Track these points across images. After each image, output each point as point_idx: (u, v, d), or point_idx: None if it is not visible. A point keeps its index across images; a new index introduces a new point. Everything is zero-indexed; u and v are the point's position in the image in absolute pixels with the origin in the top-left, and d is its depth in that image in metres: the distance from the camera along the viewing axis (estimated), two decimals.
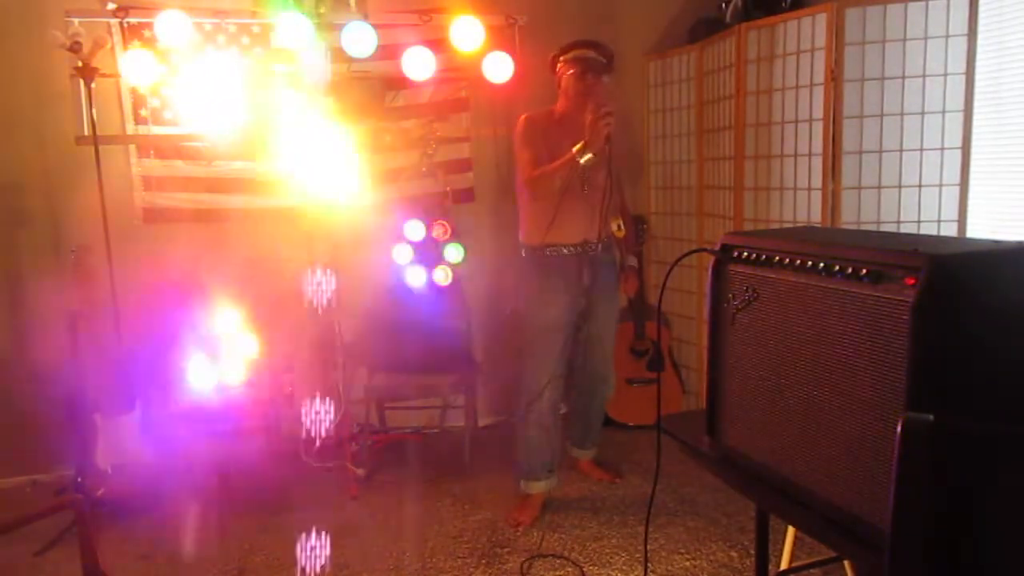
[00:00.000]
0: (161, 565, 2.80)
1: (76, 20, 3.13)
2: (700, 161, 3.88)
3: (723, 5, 3.69)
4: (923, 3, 2.92)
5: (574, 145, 2.74)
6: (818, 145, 3.17)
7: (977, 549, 1.08)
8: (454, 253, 3.73)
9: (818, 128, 3.16)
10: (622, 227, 3.18)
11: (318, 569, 2.74)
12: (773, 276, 1.50)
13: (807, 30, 3.15)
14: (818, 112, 3.15)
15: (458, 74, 3.80)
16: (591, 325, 3.09)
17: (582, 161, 2.73)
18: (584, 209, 2.91)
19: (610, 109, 2.70)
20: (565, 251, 2.98)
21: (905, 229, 3.04)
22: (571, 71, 2.94)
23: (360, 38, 3.33)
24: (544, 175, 2.86)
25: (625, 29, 4.05)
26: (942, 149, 2.98)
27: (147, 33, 3.38)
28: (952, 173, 2.98)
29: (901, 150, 3.03)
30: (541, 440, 3.03)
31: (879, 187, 3.08)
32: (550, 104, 3.07)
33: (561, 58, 2.99)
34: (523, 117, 3.00)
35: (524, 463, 3.08)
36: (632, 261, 3.44)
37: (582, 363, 3.17)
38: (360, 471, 3.37)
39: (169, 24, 3.22)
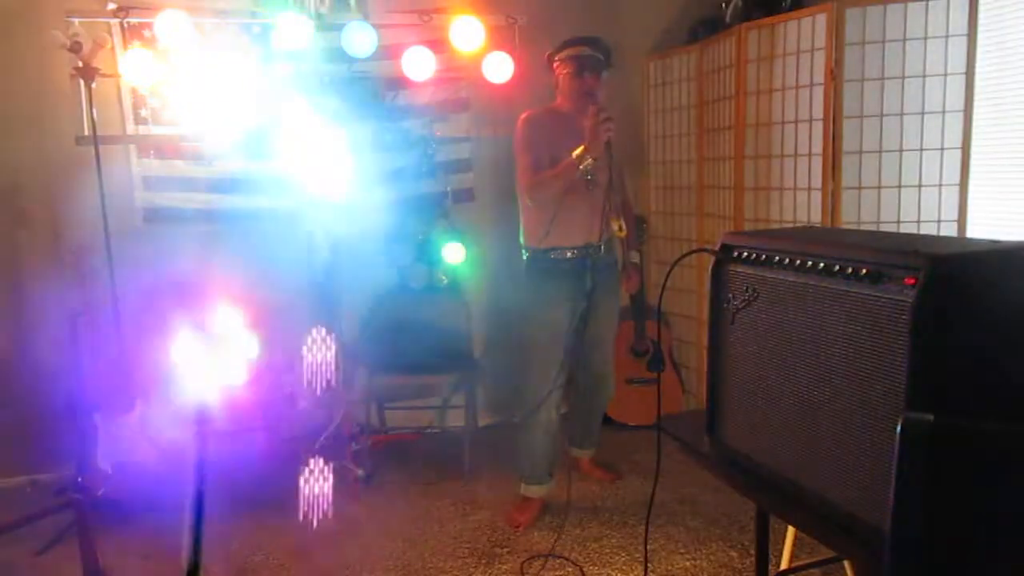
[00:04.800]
0: (161, 565, 2.80)
1: (76, 20, 3.14)
2: (700, 161, 3.87)
3: (723, 5, 3.69)
4: (923, 3, 2.92)
5: (574, 145, 2.73)
6: (818, 145, 3.17)
7: (977, 549, 1.08)
8: (454, 253, 3.73)
9: (818, 128, 3.16)
10: (623, 227, 3.17)
11: (318, 569, 2.74)
12: (773, 276, 1.50)
13: (807, 30, 3.15)
14: (818, 112, 3.15)
15: (458, 74, 3.80)
16: (592, 326, 3.08)
17: (581, 168, 2.72)
18: (585, 211, 2.89)
19: (609, 114, 2.68)
20: (569, 255, 2.96)
21: (905, 229, 3.03)
22: (567, 70, 2.91)
23: (360, 38, 3.34)
24: (544, 182, 2.83)
25: (625, 29, 4.05)
26: (942, 149, 2.98)
27: (147, 33, 3.38)
28: (952, 173, 2.98)
29: (901, 150, 3.03)
30: (542, 444, 3.02)
31: (879, 187, 3.08)
32: (550, 103, 3.06)
33: (557, 56, 2.96)
34: (522, 117, 2.97)
35: (525, 466, 3.08)
36: (635, 258, 3.43)
37: (583, 364, 3.15)
38: (360, 471, 3.37)
39: (169, 24, 3.22)
